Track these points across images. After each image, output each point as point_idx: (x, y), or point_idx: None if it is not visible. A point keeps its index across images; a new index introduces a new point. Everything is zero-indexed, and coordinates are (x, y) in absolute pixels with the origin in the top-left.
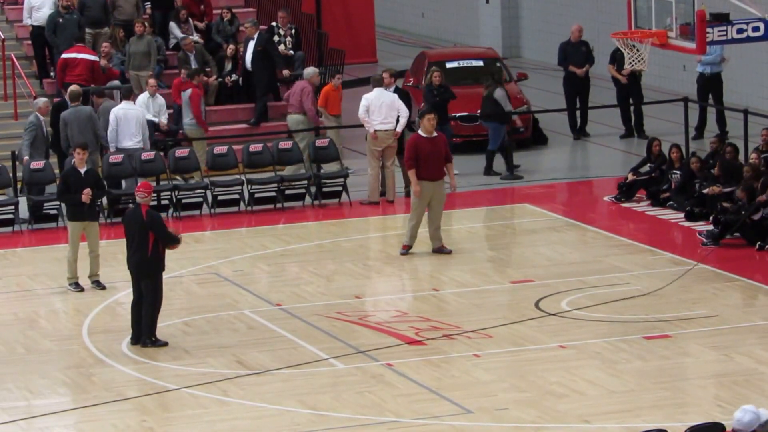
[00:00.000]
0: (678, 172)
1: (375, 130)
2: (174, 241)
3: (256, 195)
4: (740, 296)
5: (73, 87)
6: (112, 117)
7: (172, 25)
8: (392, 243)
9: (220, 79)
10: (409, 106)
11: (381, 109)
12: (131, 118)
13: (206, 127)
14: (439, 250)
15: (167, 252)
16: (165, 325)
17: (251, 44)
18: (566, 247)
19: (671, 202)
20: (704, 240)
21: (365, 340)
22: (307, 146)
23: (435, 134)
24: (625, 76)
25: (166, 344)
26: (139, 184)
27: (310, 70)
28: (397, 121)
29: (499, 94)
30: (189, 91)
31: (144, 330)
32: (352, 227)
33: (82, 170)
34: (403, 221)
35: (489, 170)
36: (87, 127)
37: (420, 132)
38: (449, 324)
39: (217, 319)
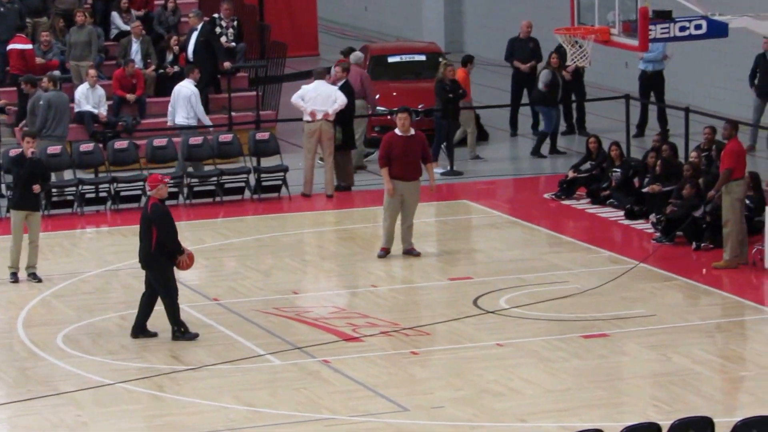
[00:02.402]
0: (618, 170)
1: (311, 111)
2: (176, 246)
3: (195, 188)
4: (679, 296)
5: (53, 72)
6: (174, 93)
7: (114, 14)
8: (331, 238)
9: (160, 70)
10: (352, 102)
11: (316, 100)
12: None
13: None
14: (408, 251)
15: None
16: (100, 319)
17: (194, 35)
18: (505, 244)
19: (611, 200)
20: (657, 237)
21: (302, 336)
22: (362, 134)
23: (412, 133)
24: (570, 73)
25: (196, 336)
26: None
27: (359, 54)
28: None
29: (546, 77)
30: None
31: (170, 323)
32: (291, 222)
33: (29, 158)
34: (339, 216)
35: (554, 150)
36: (66, 113)
37: (396, 130)
38: (387, 321)
39: (154, 314)
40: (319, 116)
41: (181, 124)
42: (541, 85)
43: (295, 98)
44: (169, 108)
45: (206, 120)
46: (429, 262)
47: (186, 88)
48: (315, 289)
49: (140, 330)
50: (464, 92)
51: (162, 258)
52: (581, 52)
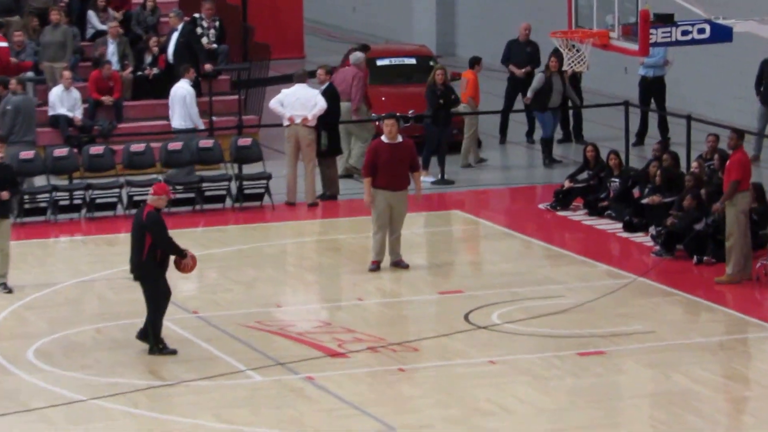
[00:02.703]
0: (616, 180)
1: (289, 116)
2: (177, 252)
3: (175, 196)
4: (679, 311)
5: (24, 74)
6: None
7: (90, 13)
8: (315, 249)
9: (139, 72)
10: (337, 106)
11: (294, 104)
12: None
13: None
14: (397, 264)
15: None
16: (75, 332)
17: (174, 36)
18: (498, 256)
19: (609, 212)
20: (657, 249)
21: (285, 351)
22: (369, 139)
23: (399, 140)
24: (568, 76)
25: (174, 352)
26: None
27: (359, 56)
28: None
29: (536, 83)
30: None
31: (149, 338)
32: (274, 232)
33: None
34: (324, 226)
35: (551, 159)
36: (34, 118)
37: (382, 137)
38: (374, 336)
39: (131, 327)
40: (298, 121)
41: (178, 128)
42: (529, 93)
43: (274, 103)
44: (169, 111)
45: (200, 123)
46: (418, 275)
47: (182, 89)
48: (299, 302)
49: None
50: (457, 98)
51: (154, 268)
52: (579, 56)
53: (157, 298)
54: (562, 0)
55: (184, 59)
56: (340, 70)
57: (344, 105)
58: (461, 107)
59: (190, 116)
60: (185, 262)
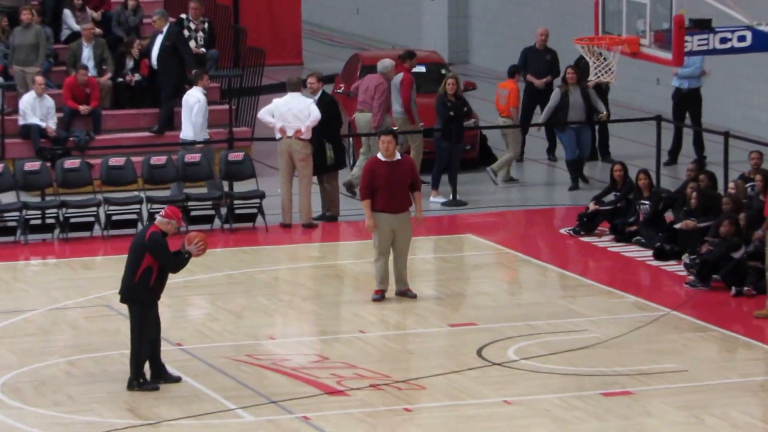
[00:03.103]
0: (647, 202)
1: (281, 127)
2: (183, 262)
3: (156, 216)
4: (714, 348)
5: None
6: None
7: (66, 13)
8: (313, 275)
9: (120, 79)
10: (337, 116)
11: (286, 115)
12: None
13: (413, 118)
14: (403, 293)
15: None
16: (45, 364)
17: (159, 39)
18: (515, 286)
19: (638, 237)
20: (690, 279)
21: (279, 388)
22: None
23: (398, 158)
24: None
25: (156, 389)
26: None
27: (387, 63)
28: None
29: (592, 92)
30: (400, 75)
31: (130, 369)
32: (268, 256)
33: None
34: (323, 250)
35: (577, 183)
36: None
37: (378, 155)
38: (377, 372)
39: (107, 360)
40: (290, 133)
41: (185, 140)
42: (544, 114)
43: (263, 113)
44: (183, 121)
45: (202, 135)
46: (426, 306)
47: (192, 97)
48: (294, 334)
49: (159, 376)
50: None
51: (145, 293)
52: (605, 65)
53: (143, 326)
54: (588, 2)
55: (170, 65)
56: (365, 78)
57: (365, 116)
58: (500, 120)
59: (192, 126)
60: (196, 253)
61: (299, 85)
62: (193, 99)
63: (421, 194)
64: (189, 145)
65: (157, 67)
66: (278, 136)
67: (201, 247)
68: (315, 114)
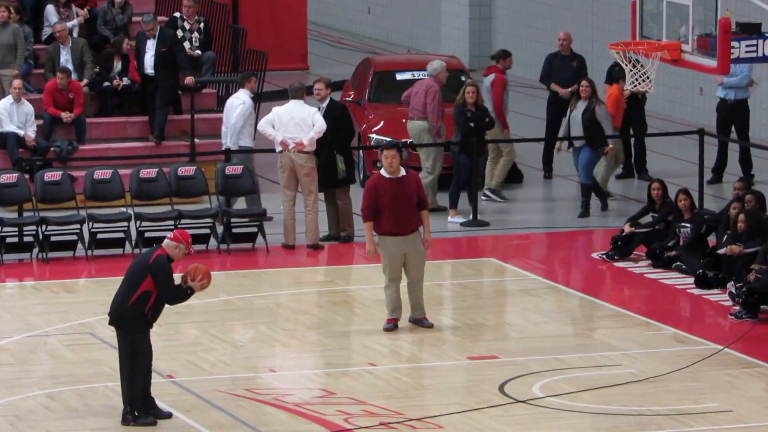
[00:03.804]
0: (688, 225)
1: (281, 140)
2: (184, 296)
3: (146, 234)
4: (762, 387)
5: None
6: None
7: (50, 10)
8: (317, 302)
9: (106, 83)
10: (348, 124)
11: (288, 125)
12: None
13: (505, 123)
14: (418, 321)
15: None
16: (22, 397)
17: (150, 43)
18: (542, 315)
19: (678, 263)
20: (736, 310)
21: (280, 426)
22: (435, 163)
23: (402, 174)
24: (625, 99)
25: (154, 423)
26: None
27: (436, 65)
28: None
29: (600, 111)
30: (491, 76)
31: (123, 401)
32: (269, 280)
33: None
34: (330, 274)
35: (586, 210)
36: None
37: (382, 172)
38: (389, 409)
39: (90, 392)
40: (292, 146)
41: (246, 146)
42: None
43: (263, 124)
44: (222, 128)
45: (241, 141)
46: (443, 336)
47: (237, 99)
48: (297, 366)
49: (147, 411)
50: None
51: (138, 319)
52: (643, 73)
53: (134, 355)
54: (624, 4)
55: (162, 68)
56: (414, 84)
57: (418, 124)
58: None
59: (231, 131)
60: (197, 290)
61: (302, 92)
62: (238, 101)
63: (427, 213)
64: (244, 152)
65: (155, 74)
66: (279, 149)
67: (204, 285)
68: (320, 124)
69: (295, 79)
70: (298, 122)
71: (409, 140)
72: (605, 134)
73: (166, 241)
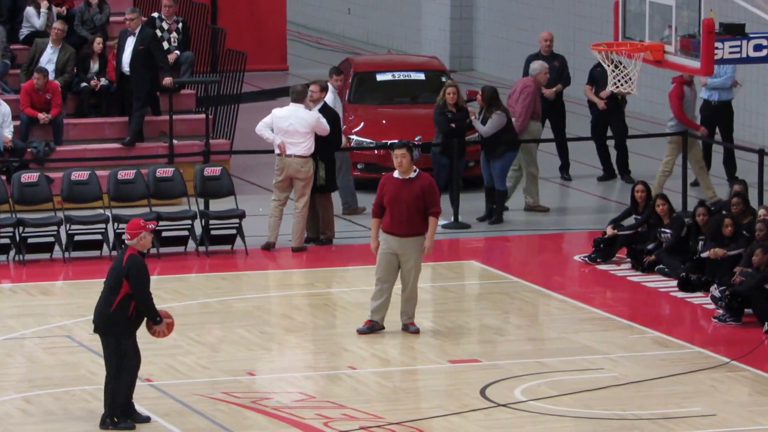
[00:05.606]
0: (668, 230)
1: (280, 144)
2: (151, 313)
3: (124, 236)
4: (745, 390)
5: None
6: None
7: (29, 11)
8: (297, 304)
9: (83, 84)
10: (337, 133)
11: (288, 130)
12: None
13: (695, 125)
14: (404, 327)
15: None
16: None
17: (130, 40)
18: (523, 318)
19: (661, 266)
20: (719, 314)
21: (259, 430)
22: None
23: (413, 175)
24: (604, 100)
25: (132, 428)
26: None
27: (537, 65)
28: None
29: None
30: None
31: (104, 405)
32: (248, 283)
33: None
34: (310, 277)
35: (499, 217)
36: None
37: (394, 172)
38: (368, 413)
39: (68, 396)
40: (290, 150)
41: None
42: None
43: (261, 127)
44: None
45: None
46: (424, 340)
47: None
48: (276, 369)
49: (126, 415)
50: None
51: (122, 324)
52: (625, 74)
53: (121, 360)
54: (606, 4)
55: (140, 68)
56: (517, 81)
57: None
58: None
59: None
60: (158, 328)
61: (304, 96)
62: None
63: (435, 220)
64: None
65: (130, 73)
66: (277, 152)
67: (164, 331)
68: (324, 126)
69: (275, 80)
70: (298, 127)
71: (418, 137)
72: (508, 140)
73: (126, 241)
